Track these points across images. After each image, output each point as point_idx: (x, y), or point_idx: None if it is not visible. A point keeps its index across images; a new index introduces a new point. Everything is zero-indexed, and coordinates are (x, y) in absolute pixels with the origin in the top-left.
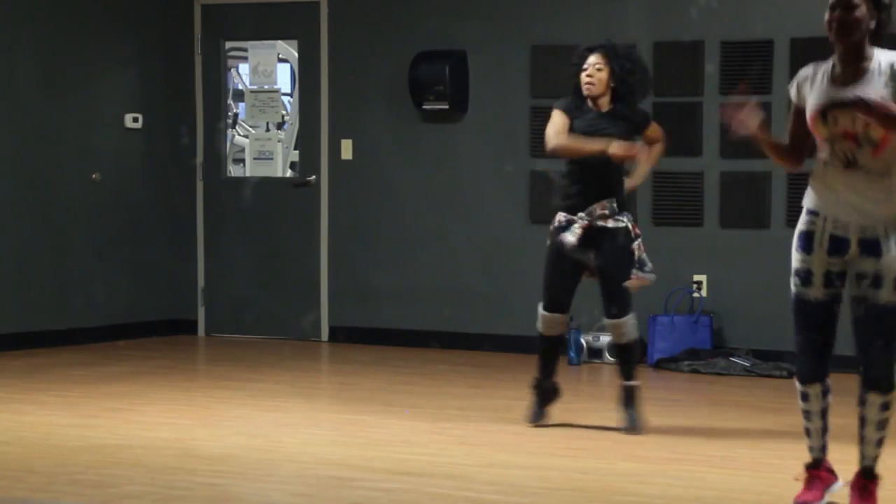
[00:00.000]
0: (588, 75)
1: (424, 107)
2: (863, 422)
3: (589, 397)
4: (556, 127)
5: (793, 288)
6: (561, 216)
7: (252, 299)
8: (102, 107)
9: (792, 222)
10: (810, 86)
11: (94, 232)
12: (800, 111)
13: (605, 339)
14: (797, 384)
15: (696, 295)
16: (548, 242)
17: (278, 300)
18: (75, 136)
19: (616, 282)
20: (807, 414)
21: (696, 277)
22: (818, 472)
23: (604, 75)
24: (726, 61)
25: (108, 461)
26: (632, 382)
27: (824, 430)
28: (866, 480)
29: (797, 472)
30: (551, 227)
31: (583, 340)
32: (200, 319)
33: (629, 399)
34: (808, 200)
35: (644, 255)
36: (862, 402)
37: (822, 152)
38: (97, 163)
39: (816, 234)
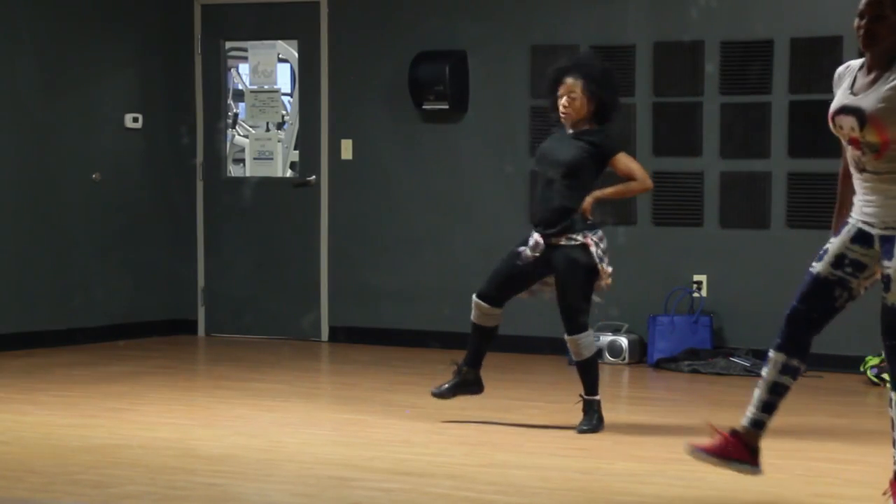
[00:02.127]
0: (564, 105)
1: (424, 107)
2: (891, 423)
3: None
4: None
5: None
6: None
7: (252, 299)
8: (102, 107)
9: (792, 222)
10: (840, 81)
11: (94, 232)
12: None
13: (605, 339)
14: (770, 351)
15: (696, 295)
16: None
17: (278, 300)
18: (75, 136)
19: (567, 301)
20: (760, 382)
21: (696, 277)
22: (731, 437)
23: (579, 104)
24: (726, 61)
25: (108, 461)
26: (593, 398)
27: (766, 405)
28: None
29: (797, 472)
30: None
31: None
32: (200, 319)
33: (591, 411)
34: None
35: (601, 252)
36: (890, 403)
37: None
38: (97, 163)
39: (849, 225)
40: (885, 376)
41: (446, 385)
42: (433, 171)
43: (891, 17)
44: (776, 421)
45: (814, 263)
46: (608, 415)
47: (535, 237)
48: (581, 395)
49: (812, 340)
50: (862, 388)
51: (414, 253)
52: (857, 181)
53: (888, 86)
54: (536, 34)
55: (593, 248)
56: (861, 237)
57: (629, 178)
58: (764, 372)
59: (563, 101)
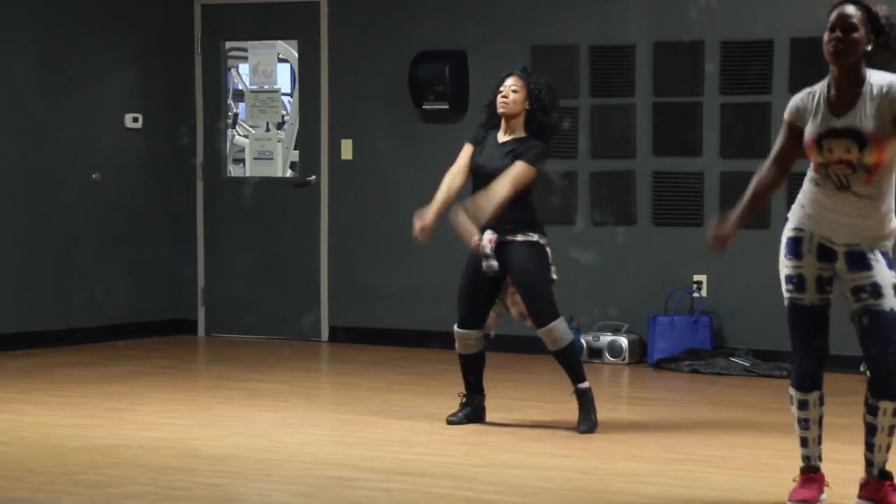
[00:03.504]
0: (503, 96)
1: (424, 107)
2: (873, 429)
3: None
4: (455, 166)
5: (786, 295)
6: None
7: (252, 299)
8: (102, 107)
9: None
10: (809, 110)
11: (94, 232)
12: (794, 128)
13: (605, 339)
14: (794, 392)
15: (696, 295)
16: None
17: (278, 300)
18: (75, 136)
19: (530, 293)
20: (804, 423)
21: (696, 277)
22: (815, 476)
23: (519, 97)
24: (726, 61)
25: (108, 461)
26: (582, 385)
27: (821, 438)
28: (885, 482)
29: (795, 474)
30: (475, 240)
31: (583, 340)
32: (200, 319)
33: (584, 401)
34: (794, 217)
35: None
36: (873, 411)
37: (814, 174)
38: (97, 163)
39: (805, 241)
40: None
41: (461, 413)
42: (433, 171)
43: (861, 31)
44: (776, 421)
45: (794, 294)
46: (608, 415)
47: (486, 241)
48: (574, 388)
49: (824, 362)
50: (861, 388)
51: (414, 253)
52: (826, 197)
53: (872, 102)
54: (536, 34)
55: (549, 250)
56: (824, 254)
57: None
58: (805, 414)
59: (501, 93)
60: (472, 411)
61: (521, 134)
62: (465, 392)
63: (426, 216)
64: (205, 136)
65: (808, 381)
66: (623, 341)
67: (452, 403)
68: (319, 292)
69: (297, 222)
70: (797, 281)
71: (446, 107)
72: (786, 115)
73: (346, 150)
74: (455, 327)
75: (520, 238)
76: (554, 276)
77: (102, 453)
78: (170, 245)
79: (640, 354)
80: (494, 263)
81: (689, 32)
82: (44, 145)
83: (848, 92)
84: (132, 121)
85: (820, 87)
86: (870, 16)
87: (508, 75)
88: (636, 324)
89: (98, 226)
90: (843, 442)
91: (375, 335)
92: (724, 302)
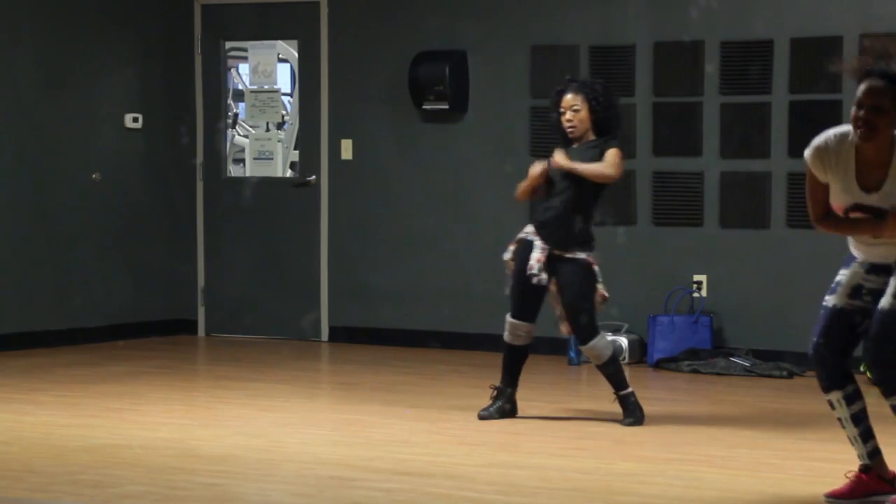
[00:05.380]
0: (568, 119)
1: (424, 107)
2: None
3: (589, 397)
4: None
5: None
6: (528, 228)
7: (252, 299)
8: (102, 107)
9: (792, 222)
10: (834, 165)
11: (94, 232)
12: (824, 185)
13: None
14: (823, 393)
15: (696, 295)
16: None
17: (278, 300)
18: (75, 136)
19: (572, 311)
20: (839, 421)
21: (696, 277)
22: (864, 476)
23: (582, 114)
24: (726, 61)
25: (108, 461)
26: (624, 392)
27: (863, 435)
28: None
29: (797, 473)
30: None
31: None
32: (200, 319)
33: (628, 405)
34: (851, 248)
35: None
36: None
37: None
38: (97, 163)
39: (857, 262)
40: None
41: (492, 407)
42: (433, 171)
43: (889, 110)
44: (776, 421)
45: (827, 297)
46: (608, 415)
47: (534, 260)
48: (615, 394)
49: (848, 364)
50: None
51: (414, 253)
52: (868, 242)
53: None
54: (536, 34)
55: (596, 268)
56: (877, 269)
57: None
58: (837, 413)
59: (566, 115)
60: (505, 405)
61: (590, 138)
62: (498, 385)
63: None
64: (205, 136)
65: (825, 383)
66: (623, 341)
67: (452, 403)
68: (319, 292)
69: (297, 222)
70: (834, 286)
71: (446, 107)
72: (810, 165)
73: (346, 150)
74: (508, 317)
75: (567, 256)
76: (604, 294)
77: (102, 453)
78: (170, 245)
79: (640, 354)
80: (544, 277)
81: (689, 32)
82: (44, 145)
83: (876, 161)
84: (132, 121)
85: (842, 141)
86: None
87: (563, 91)
88: (636, 324)
89: (98, 226)
90: (844, 442)
91: (375, 335)
92: (724, 302)
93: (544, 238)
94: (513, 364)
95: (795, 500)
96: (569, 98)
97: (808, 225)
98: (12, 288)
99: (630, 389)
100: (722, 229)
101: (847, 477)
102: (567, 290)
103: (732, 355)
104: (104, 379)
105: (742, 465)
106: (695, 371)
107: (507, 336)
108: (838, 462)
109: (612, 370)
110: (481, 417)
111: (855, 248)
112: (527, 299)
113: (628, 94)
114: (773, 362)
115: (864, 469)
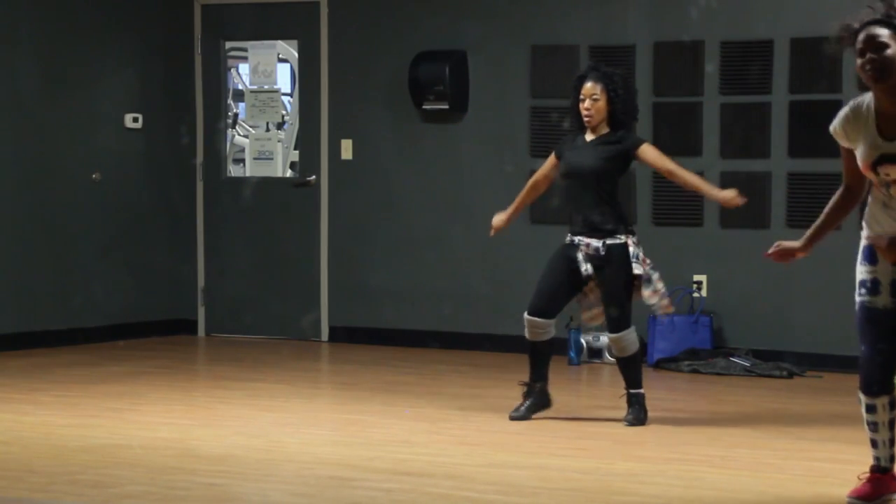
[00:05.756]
0: (586, 108)
1: (424, 107)
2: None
3: (589, 397)
4: (538, 173)
5: (858, 299)
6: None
7: (252, 299)
8: (102, 107)
9: (792, 222)
10: (858, 128)
11: (94, 232)
12: (850, 152)
13: (605, 339)
14: (861, 396)
15: (696, 295)
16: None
17: (278, 300)
18: (75, 136)
19: (609, 299)
20: (873, 426)
21: (696, 277)
22: (882, 476)
23: (601, 103)
24: (726, 61)
25: (108, 461)
26: (637, 391)
27: (892, 441)
28: None
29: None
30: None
31: (583, 340)
32: (200, 319)
33: (635, 403)
34: (868, 226)
35: (649, 270)
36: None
37: (878, 191)
38: (97, 163)
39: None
40: None
41: (523, 407)
42: (433, 171)
43: (893, 46)
44: (776, 421)
45: (866, 298)
46: (608, 415)
47: (584, 248)
48: (626, 390)
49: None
50: None
51: (414, 253)
52: (891, 211)
53: None
54: (536, 34)
55: (632, 248)
56: None
57: (663, 168)
58: (874, 417)
59: (585, 103)
60: (536, 401)
61: (605, 130)
62: (527, 381)
63: (502, 218)
64: (205, 136)
65: (874, 387)
66: None
67: (452, 403)
68: (319, 292)
69: (297, 222)
70: (871, 285)
71: (446, 107)
72: (835, 136)
73: (346, 150)
74: (525, 314)
75: (609, 242)
76: (637, 271)
77: (102, 453)
78: (170, 245)
79: (641, 365)
80: (589, 267)
81: (689, 32)
82: (44, 145)
83: (893, 112)
84: (132, 121)
85: (867, 103)
86: None
87: (585, 77)
88: (636, 324)
89: (98, 226)
90: (844, 442)
91: (375, 335)
92: (724, 302)
93: (588, 234)
94: (539, 359)
95: (795, 500)
96: (589, 87)
97: (809, 225)
98: (12, 288)
99: (642, 391)
100: (722, 229)
101: (860, 478)
102: (607, 277)
103: (732, 355)
104: (104, 379)
105: (742, 465)
106: (695, 371)
107: (528, 334)
108: (838, 462)
109: (632, 366)
110: (512, 418)
111: (880, 226)
112: (555, 298)
113: None
114: (773, 362)
115: (882, 470)
